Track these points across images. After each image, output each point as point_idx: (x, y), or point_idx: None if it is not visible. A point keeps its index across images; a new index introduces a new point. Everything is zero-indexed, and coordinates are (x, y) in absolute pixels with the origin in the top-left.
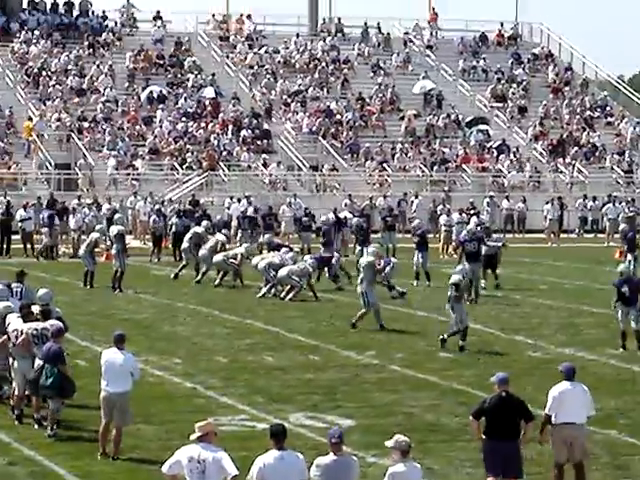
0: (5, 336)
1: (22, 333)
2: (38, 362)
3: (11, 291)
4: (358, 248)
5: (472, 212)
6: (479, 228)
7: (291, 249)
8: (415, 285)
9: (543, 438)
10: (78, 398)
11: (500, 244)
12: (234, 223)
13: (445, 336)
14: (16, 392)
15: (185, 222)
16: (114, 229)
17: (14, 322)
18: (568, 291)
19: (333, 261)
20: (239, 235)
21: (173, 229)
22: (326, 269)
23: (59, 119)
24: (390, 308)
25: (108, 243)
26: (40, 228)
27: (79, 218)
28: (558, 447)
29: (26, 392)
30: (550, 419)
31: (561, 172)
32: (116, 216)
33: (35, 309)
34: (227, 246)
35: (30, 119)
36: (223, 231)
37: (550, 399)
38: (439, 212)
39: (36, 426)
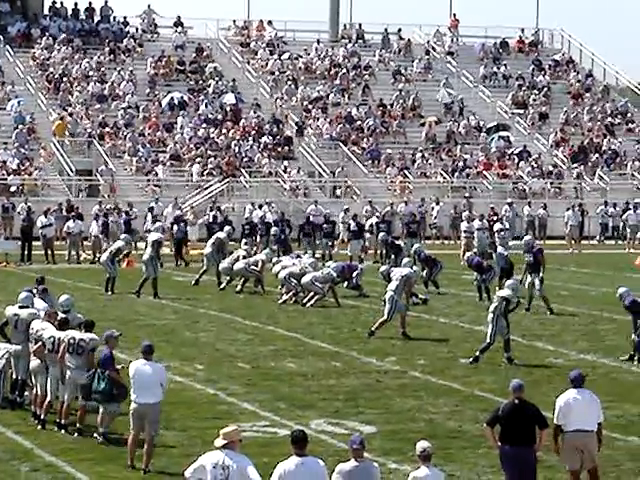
0: (40, 343)
1: (60, 341)
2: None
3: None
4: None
5: (494, 219)
6: (502, 233)
7: (299, 255)
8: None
9: (556, 448)
10: None
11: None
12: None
13: (477, 354)
14: (48, 398)
15: (183, 229)
16: (153, 236)
17: (50, 329)
18: (590, 297)
19: (356, 272)
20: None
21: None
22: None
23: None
24: (411, 314)
25: (133, 252)
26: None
27: (100, 224)
28: (570, 455)
29: (79, 398)
30: (560, 428)
31: (582, 178)
32: (157, 224)
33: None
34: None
35: (62, 118)
36: (244, 240)
37: (557, 408)
38: (460, 218)
39: (62, 431)
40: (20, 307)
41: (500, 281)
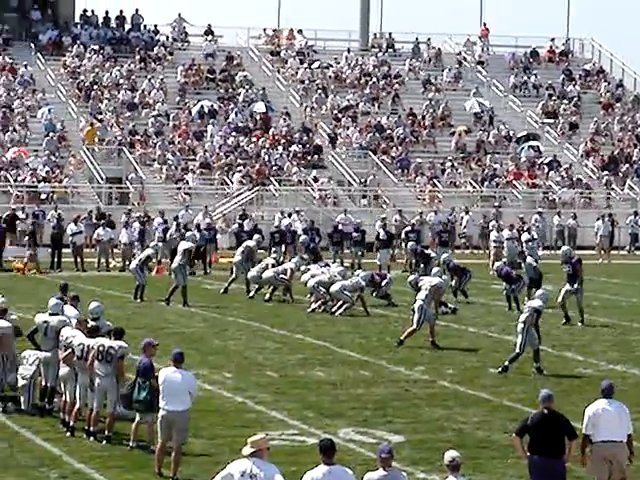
0: (70, 350)
1: (90, 348)
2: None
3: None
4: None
5: (524, 228)
6: (530, 243)
7: (327, 264)
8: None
9: (584, 459)
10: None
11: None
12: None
13: (507, 363)
14: (77, 405)
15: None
16: (185, 244)
17: (79, 336)
18: (620, 308)
19: (385, 281)
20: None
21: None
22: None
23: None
24: (440, 324)
25: (164, 260)
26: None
27: (130, 232)
28: (598, 466)
29: (107, 406)
30: (589, 438)
31: (612, 188)
32: (188, 233)
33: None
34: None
35: (92, 124)
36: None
37: (586, 418)
38: (490, 228)
39: (91, 438)
40: (50, 314)
41: (529, 291)
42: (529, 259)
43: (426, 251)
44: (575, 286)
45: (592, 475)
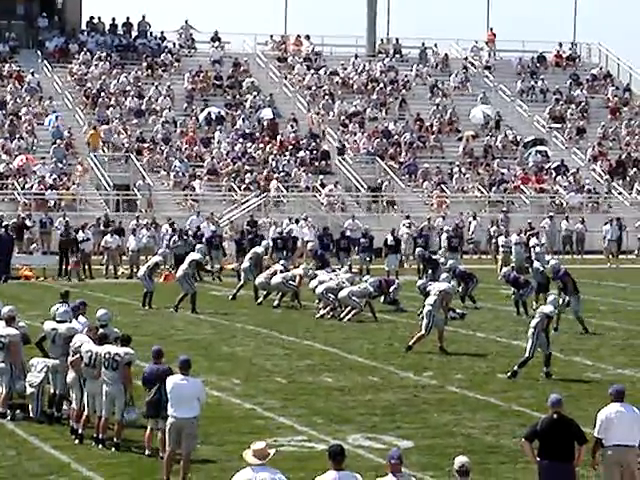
0: (77, 355)
1: (97, 355)
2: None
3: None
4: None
5: (531, 233)
6: (537, 248)
7: (334, 270)
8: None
9: (595, 462)
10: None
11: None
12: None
13: (516, 368)
14: (85, 412)
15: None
16: (194, 255)
17: (87, 343)
18: (628, 312)
19: (393, 287)
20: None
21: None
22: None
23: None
24: (448, 329)
25: (169, 266)
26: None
27: (138, 239)
28: (610, 470)
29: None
30: (600, 442)
31: (620, 193)
32: (198, 246)
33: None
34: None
35: (94, 128)
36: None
37: (598, 421)
38: (497, 233)
39: (99, 446)
40: (58, 322)
41: (537, 296)
42: (536, 264)
43: (434, 257)
44: (567, 299)
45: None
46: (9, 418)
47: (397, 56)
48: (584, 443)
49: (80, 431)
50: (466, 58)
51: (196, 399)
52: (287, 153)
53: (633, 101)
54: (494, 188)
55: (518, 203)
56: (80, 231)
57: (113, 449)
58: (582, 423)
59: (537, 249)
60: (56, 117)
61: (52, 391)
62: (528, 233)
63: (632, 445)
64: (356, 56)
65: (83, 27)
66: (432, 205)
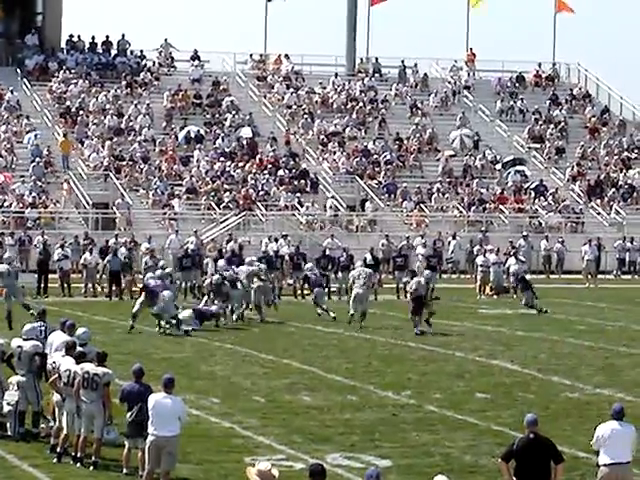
0: (56, 375)
1: (76, 374)
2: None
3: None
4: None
5: (508, 252)
6: (513, 267)
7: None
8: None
9: None
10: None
11: None
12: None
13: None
14: (64, 431)
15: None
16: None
17: (65, 362)
18: (607, 332)
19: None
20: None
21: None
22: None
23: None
24: (427, 348)
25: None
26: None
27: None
28: None
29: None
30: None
31: (599, 213)
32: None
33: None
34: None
35: (65, 135)
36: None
37: (595, 438)
38: (476, 252)
39: (78, 464)
40: (24, 339)
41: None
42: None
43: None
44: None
45: None
46: None
47: (377, 75)
48: (561, 462)
49: (58, 450)
50: (445, 77)
51: (177, 418)
52: (266, 172)
53: (612, 121)
54: (473, 208)
55: (497, 223)
56: (60, 249)
57: (91, 467)
58: (559, 442)
59: (512, 268)
60: (35, 135)
61: (22, 409)
62: (503, 253)
63: (626, 462)
64: (336, 75)
65: (63, 45)
66: (411, 224)
